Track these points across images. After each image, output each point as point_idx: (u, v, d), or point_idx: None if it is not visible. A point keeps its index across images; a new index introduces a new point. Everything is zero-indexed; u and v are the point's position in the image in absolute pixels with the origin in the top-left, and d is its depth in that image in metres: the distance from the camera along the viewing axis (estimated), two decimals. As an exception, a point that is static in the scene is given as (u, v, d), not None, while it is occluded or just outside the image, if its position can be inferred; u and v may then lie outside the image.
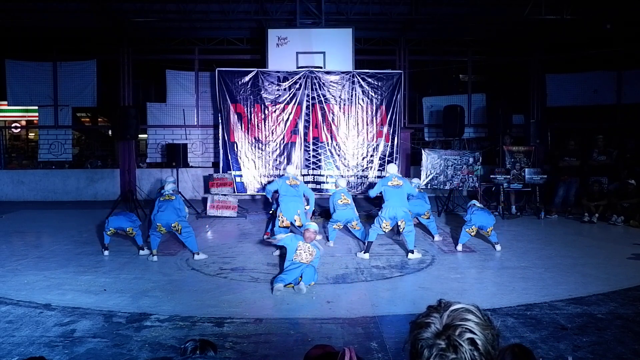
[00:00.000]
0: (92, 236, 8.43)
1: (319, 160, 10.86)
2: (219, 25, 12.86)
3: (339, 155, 10.94)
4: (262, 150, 10.84)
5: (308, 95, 10.84)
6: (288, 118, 10.87)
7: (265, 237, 7.66)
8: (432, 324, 1.06)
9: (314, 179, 10.89)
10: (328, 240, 7.85)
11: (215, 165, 12.58)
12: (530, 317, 4.55)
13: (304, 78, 10.86)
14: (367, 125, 10.97)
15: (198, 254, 6.91)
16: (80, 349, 3.88)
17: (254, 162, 10.86)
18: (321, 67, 11.44)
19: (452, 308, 1.07)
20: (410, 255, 6.87)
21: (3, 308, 4.83)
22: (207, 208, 10.39)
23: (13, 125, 15.83)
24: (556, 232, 8.88)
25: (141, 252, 7.15)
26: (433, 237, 8.24)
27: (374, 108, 10.95)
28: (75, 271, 6.22)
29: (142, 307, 4.88)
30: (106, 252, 7.13)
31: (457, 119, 11.63)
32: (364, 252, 6.95)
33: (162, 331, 4.26)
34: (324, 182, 10.87)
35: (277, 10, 12.03)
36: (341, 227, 7.90)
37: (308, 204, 7.90)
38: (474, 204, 7.53)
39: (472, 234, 7.32)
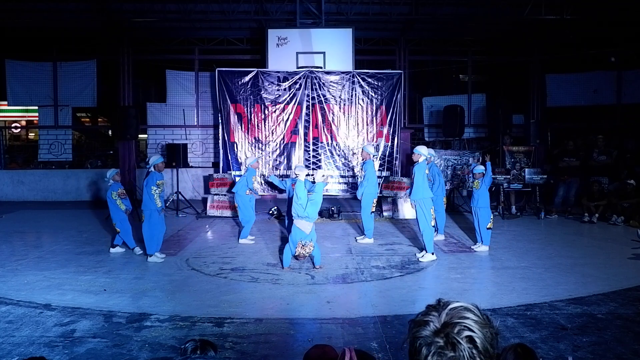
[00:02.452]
0: (92, 236, 8.43)
1: (319, 161, 10.85)
2: (219, 25, 12.87)
3: (339, 156, 10.92)
4: (262, 150, 10.83)
5: (308, 96, 10.83)
6: (288, 118, 10.87)
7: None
8: (431, 322, 1.06)
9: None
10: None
11: (215, 165, 12.58)
12: (530, 317, 4.54)
13: (304, 78, 10.85)
14: (367, 125, 10.96)
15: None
16: (80, 349, 3.88)
17: (254, 162, 10.87)
18: (321, 67, 11.43)
19: (450, 306, 1.07)
20: (419, 255, 6.78)
21: (3, 308, 4.83)
22: (207, 208, 10.40)
23: (13, 125, 15.83)
24: (556, 232, 8.88)
25: (136, 250, 7.15)
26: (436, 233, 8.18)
27: (374, 108, 10.94)
28: (75, 271, 6.22)
29: (142, 307, 4.88)
30: (112, 250, 7.19)
31: (457, 119, 11.64)
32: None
33: (162, 331, 4.25)
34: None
35: (277, 10, 12.03)
36: None
37: None
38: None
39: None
